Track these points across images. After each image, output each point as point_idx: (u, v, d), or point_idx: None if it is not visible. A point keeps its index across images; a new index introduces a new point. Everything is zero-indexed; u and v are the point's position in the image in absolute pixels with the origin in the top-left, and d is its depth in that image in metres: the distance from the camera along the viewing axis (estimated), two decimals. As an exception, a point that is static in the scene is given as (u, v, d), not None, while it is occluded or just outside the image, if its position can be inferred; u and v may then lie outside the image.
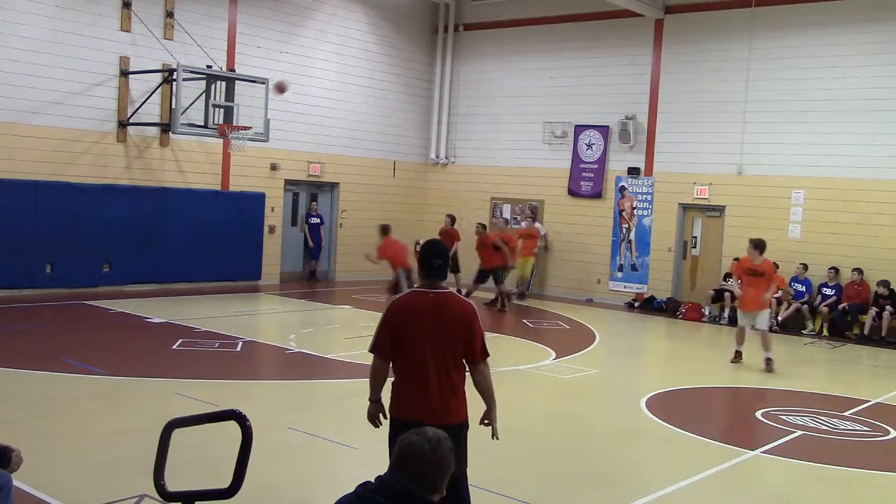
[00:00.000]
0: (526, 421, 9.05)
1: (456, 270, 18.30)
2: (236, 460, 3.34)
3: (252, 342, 12.26)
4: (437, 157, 22.38)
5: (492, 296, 17.57)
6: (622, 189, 19.47)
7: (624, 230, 19.43)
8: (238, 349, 11.70)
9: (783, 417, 9.46)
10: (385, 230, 14.18)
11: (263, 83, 16.56)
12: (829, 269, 16.31)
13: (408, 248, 14.25)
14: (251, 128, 16.18)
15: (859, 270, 15.99)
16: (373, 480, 2.88)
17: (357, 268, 20.50)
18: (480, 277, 17.41)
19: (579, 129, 20.01)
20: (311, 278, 20.07)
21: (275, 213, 19.09)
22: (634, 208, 19.29)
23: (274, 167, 18.90)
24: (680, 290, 18.70)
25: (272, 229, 19.05)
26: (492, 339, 13.81)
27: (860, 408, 10.26)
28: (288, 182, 19.44)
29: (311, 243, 19.97)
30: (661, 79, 18.86)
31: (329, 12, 19.97)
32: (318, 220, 20.07)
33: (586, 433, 8.74)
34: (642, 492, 6.80)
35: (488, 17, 21.60)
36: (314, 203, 20.21)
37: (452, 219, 19.10)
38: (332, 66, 20.05)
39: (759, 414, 9.61)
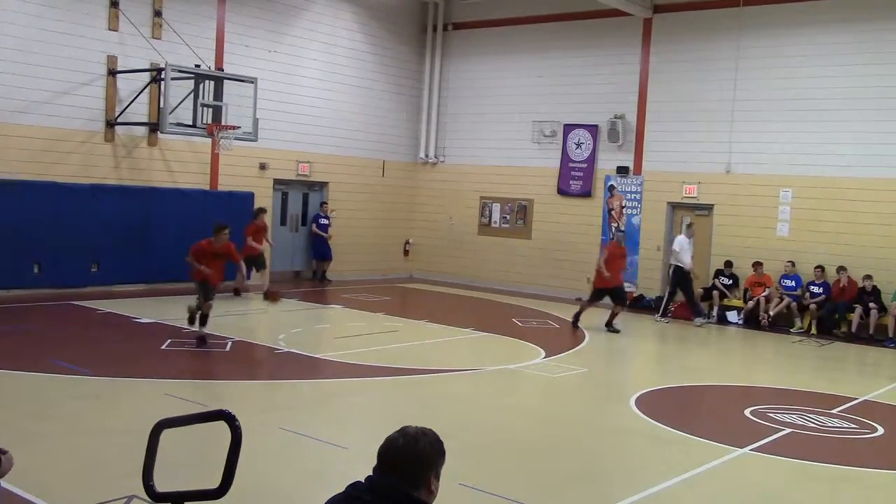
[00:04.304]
0: (515, 420, 9.06)
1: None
2: (226, 460, 3.34)
3: (241, 342, 12.23)
4: (427, 156, 22.37)
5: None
6: (611, 188, 19.52)
7: (613, 229, 19.46)
8: (227, 349, 11.67)
9: (772, 415, 9.50)
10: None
11: (252, 82, 16.53)
12: (816, 267, 16.39)
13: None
14: (240, 127, 16.13)
15: (843, 268, 16.08)
16: (362, 480, 2.89)
17: (347, 267, 20.53)
18: (599, 295, 15.37)
19: (568, 128, 20.04)
20: (322, 278, 20.00)
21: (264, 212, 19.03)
22: (623, 207, 19.34)
23: (263, 167, 18.86)
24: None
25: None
26: (482, 339, 13.83)
27: (848, 405, 10.32)
28: (277, 182, 19.40)
29: (328, 239, 19.88)
30: (649, 78, 18.92)
31: (318, 11, 19.93)
32: (326, 221, 20.02)
33: (576, 432, 8.76)
34: (632, 490, 6.83)
35: (477, 17, 21.60)
36: (325, 204, 20.17)
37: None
38: (320, 65, 20.02)
39: (747, 412, 9.65)
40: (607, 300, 15.31)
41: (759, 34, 17.47)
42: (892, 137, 15.97)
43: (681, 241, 16.70)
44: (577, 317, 15.16)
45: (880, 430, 9.22)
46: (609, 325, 15.14)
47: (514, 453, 7.72)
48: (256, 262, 16.52)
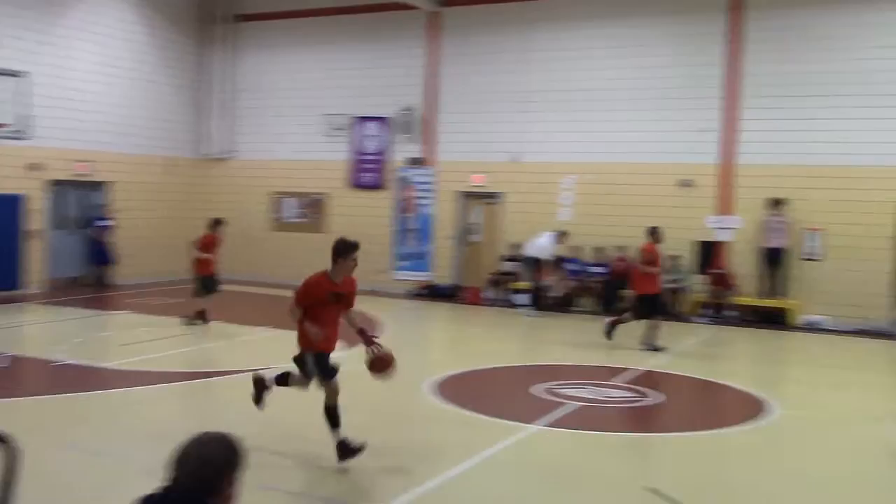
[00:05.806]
0: (311, 416, 9.04)
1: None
2: (1, 486, 3.14)
3: (15, 357, 11.38)
4: (216, 151, 21.73)
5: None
6: (404, 179, 19.82)
7: (407, 220, 19.79)
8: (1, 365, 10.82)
9: (560, 391, 10.05)
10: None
11: (21, 76, 15.40)
12: (595, 248, 17.48)
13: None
14: (9, 125, 15.03)
15: (621, 248, 17.26)
16: (155, 492, 2.82)
17: (134, 271, 19.54)
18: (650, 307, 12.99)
19: (359, 120, 20.14)
20: (104, 284, 18.80)
21: (37, 216, 17.74)
22: (416, 198, 19.70)
23: (35, 167, 17.56)
24: (462, 275, 19.32)
25: (35, 234, 17.70)
26: (278, 336, 13.63)
27: (629, 376, 11.11)
28: (52, 182, 18.14)
29: (106, 246, 18.72)
30: (439, 70, 19.36)
31: (93, 1, 18.80)
32: (106, 224, 18.88)
33: (372, 421, 8.85)
34: (433, 473, 7.01)
35: (264, 8, 21.21)
36: (104, 206, 19.03)
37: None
38: (97, 58, 18.91)
39: (537, 389, 10.14)
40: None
41: (544, 27, 18.32)
42: (666, 125, 17.23)
43: (545, 238, 16.64)
44: (610, 328, 13.34)
45: (650, 398, 10.01)
46: (649, 343, 12.92)
47: (312, 450, 7.70)
48: (209, 282, 14.20)
